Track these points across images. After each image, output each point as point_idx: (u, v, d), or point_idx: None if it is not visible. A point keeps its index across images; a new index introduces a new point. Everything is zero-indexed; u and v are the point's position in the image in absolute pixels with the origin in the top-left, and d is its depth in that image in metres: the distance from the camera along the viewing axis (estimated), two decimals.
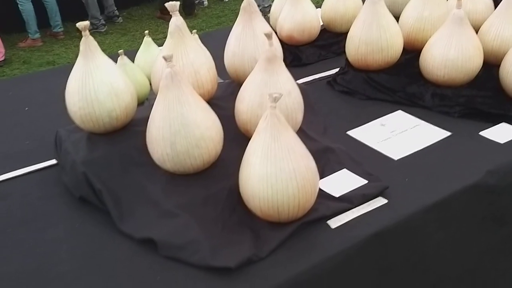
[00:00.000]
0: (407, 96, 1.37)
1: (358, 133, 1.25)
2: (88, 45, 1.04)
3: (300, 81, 1.53)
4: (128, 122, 1.12)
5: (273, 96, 0.86)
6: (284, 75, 1.04)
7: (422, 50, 1.37)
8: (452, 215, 1.04)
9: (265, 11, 4.34)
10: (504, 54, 1.34)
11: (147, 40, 1.49)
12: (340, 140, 1.21)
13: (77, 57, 1.06)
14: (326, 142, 1.15)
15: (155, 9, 5.34)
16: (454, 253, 1.09)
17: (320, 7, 1.79)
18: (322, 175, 1.05)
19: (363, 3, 1.43)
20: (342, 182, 1.04)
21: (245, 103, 1.05)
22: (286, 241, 0.90)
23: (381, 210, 0.98)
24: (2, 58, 4.15)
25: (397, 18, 1.50)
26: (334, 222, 0.95)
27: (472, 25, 1.36)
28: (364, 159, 1.12)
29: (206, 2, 5.62)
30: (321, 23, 1.76)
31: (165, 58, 0.93)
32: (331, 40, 1.73)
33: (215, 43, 1.39)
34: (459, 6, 1.29)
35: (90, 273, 0.89)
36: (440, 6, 1.46)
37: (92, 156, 1.04)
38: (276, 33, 1.71)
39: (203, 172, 1.01)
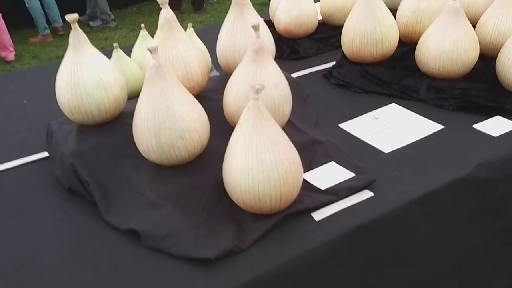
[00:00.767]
0: (402, 89, 1.36)
1: (350, 126, 1.24)
2: (77, 38, 1.05)
3: (297, 74, 1.53)
4: (118, 114, 1.13)
5: (255, 88, 0.86)
6: (271, 67, 1.04)
7: (418, 42, 1.36)
8: (439, 208, 1.03)
9: None
10: (501, 46, 1.32)
11: (143, 33, 1.50)
12: (332, 133, 1.20)
13: None
14: (316, 134, 1.15)
15: None
16: (442, 246, 1.08)
17: (319, 1, 1.78)
18: (309, 167, 1.05)
19: None
20: (329, 174, 1.03)
21: (232, 95, 1.05)
22: (269, 233, 0.91)
23: (367, 202, 0.97)
24: (13, 58, 4.18)
25: (395, 11, 1.49)
26: (319, 215, 0.95)
27: (470, 17, 1.34)
28: (354, 152, 1.12)
29: None
30: (320, 17, 1.75)
31: (150, 50, 0.93)
32: (329, 33, 1.72)
33: (215, 36, 1.38)
34: None
35: (76, 263, 0.90)
36: None
37: (80, 148, 1.05)
38: (274, 26, 1.71)
39: (189, 164, 1.02)
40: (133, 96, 1.36)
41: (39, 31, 4.58)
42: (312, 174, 1.04)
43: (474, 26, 1.33)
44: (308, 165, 1.05)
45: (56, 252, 0.92)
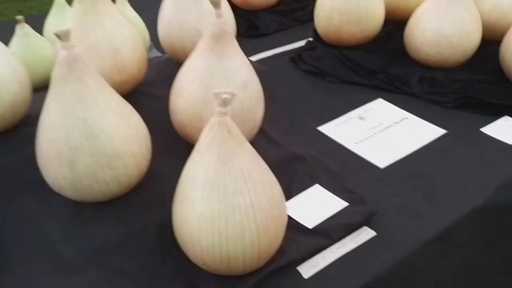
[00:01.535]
0: (389, 79, 1.11)
1: (332, 129, 0.98)
2: None
3: (257, 57, 1.24)
4: (19, 120, 0.80)
5: (221, 97, 0.57)
6: (238, 58, 0.74)
7: (409, 23, 1.11)
8: (456, 244, 0.80)
9: None
10: (503, 28, 1.09)
11: (60, 2, 1.14)
12: (310, 140, 0.94)
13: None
14: (293, 146, 0.88)
15: None
16: (453, 285, 0.86)
17: None
18: (289, 195, 0.78)
19: None
20: (316, 205, 0.77)
21: (184, 97, 0.75)
22: None
23: (368, 247, 0.72)
24: None
25: None
26: (307, 269, 0.68)
27: None
28: (342, 168, 0.86)
29: None
30: None
31: (58, 36, 0.61)
32: (294, 5, 1.43)
33: (155, 4, 1.05)
34: None
35: None
36: None
37: None
38: None
39: (121, 199, 0.71)
40: (46, 86, 1.02)
41: None
42: (294, 205, 0.77)
43: None
44: (288, 191, 0.78)
45: None
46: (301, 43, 1.26)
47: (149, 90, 0.90)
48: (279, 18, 1.39)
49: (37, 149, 0.67)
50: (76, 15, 0.79)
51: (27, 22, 1.03)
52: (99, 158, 0.63)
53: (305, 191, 0.80)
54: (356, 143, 0.94)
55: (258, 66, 0.97)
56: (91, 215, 0.70)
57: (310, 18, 1.22)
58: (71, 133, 0.62)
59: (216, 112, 0.58)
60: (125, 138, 0.65)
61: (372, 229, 0.74)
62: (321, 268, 0.69)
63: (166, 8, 0.93)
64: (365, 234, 0.74)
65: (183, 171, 0.62)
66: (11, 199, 0.73)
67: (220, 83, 0.71)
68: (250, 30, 1.35)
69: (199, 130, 0.61)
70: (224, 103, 0.57)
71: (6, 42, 0.93)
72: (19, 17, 1.02)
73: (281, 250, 0.68)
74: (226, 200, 0.58)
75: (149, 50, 1.19)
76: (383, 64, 1.13)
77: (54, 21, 1.14)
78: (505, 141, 0.94)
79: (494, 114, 1.01)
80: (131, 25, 0.85)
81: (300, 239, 0.71)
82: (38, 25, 1.14)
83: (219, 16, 0.71)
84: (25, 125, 0.81)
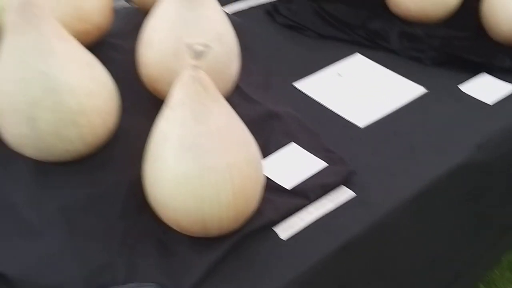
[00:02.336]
0: (368, 35, 1.07)
1: (308, 85, 0.94)
2: None
3: (231, 8, 1.18)
4: None
5: (195, 49, 0.52)
6: (212, 7, 0.69)
7: None
8: (433, 204, 0.79)
9: None
10: None
11: None
12: (286, 96, 0.90)
13: None
14: (269, 102, 0.84)
15: None
16: (425, 245, 0.86)
17: None
18: (265, 153, 0.75)
19: None
20: (293, 164, 0.74)
21: (153, 49, 0.69)
22: (217, 267, 0.61)
23: (347, 208, 0.70)
24: None
25: None
26: (284, 230, 0.66)
27: None
28: (319, 126, 0.83)
29: None
30: None
31: None
32: None
33: None
34: None
35: None
36: None
37: None
38: None
39: (87, 158, 0.67)
40: None
41: None
42: (270, 163, 0.74)
43: None
44: (264, 150, 0.74)
45: None
46: None
47: (115, 42, 0.84)
48: None
49: None
50: None
51: None
52: (62, 114, 0.58)
53: (281, 149, 0.77)
54: (334, 101, 0.91)
55: (233, 18, 0.92)
56: (56, 176, 0.65)
57: None
58: (29, 87, 0.57)
59: (188, 65, 0.53)
60: (90, 92, 0.60)
61: (350, 189, 0.72)
62: (299, 229, 0.66)
63: None
64: (344, 194, 0.72)
65: (153, 128, 0.57)
66: None
67: (192, 33, 0.66)
68: None
69: (170, 85, 0.56)
70: (198, 55, 0.52)
71: None
72: None
73: (258, 211, 0.65)
74: (201, 159, 0.54)
75: None
76: (363, 19, 1.09)
77: None
78: (483, 100, 0.92)
79: (473, 71, 0.99)
80: None
81: (278, 200, 0.68)
82: None
83: None
84: None
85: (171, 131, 0.55)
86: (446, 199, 0.82)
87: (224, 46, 0.69)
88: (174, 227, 0.61)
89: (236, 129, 0.57)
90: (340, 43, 1.07)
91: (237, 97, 0.80)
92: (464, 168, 0.80)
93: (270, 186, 0.70)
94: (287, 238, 0.65)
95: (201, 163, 0.54)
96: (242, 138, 0.58)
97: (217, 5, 0.71)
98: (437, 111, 0.89)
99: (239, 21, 0.94)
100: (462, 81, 0.97)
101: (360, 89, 0.94)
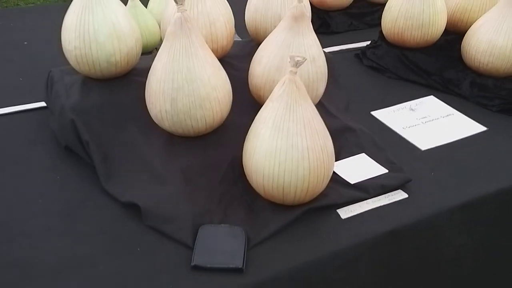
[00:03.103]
0: (443, 81, 1.23)
1: (384, 115, 1.12)
2: None
3: (326, 49, 1.39)
4: (130, 70, 1.00)
5: (295, 59, 0.73)
6: (310, 38, 0.91)
7: (467, 33, 1.22)
8: (479, 219, 0.92)
9: None
10: None
11: None
12: (363, 120, 1.08)
13: None
14: (347, 120, 1.03)
15: None
16: (473, 261, 0.98)
17: None
18: (337, 157, 0.93)
19: None
20: (360, 168, 0.92)
21: (262, 65, 0.92)
22: (288, 227, 0.79)
23: (399, 205, 0.86)
24: None
25: None
26: (345, 212, 0.83)
27: None
28: (387, 145, 1.00)
29: None
30: None
31: (175, 1, 0.80)
32: (365, 9, 1.57)
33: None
34: None
35: (65, 234, 0.78)
36: None
37: (83, 103, 0.93)
38: None
39: (204, 137, 0.90)
40: (146, 52, 1.23)
41: None
42: (340, 165, 0.92)
43: None
44: (337, 155, 0.93)
45: (42, 218, 0.81)
46: (366, 43, 1.40)
47: (232, 62, 1.08)
48: (349, 19, 1.54)
49: (147, 87, 0.86)
50: None
51: None
52: (194, 98, 0.81)
53: (351, 157, 0.95)
54: (404, 128, 1.07)
55: (326, 53, 1.13)
56: (181, 146, 0.88)
57: (378, 23, 1.36)
58: (176, 77, 0.81)
59: (288, 71, 0.74)
60: (215, 86, 0.83)
61: (405, 192, 0.88)
62: (357, 213, 0.83)
63: None
64: (399, 195, 0.88)
65: (257, 115, 0.79)
66: (120, 129, 0.92)
67: (293, 54, 0.88)
68: (322, 27, 1.51)
69: (270, 93, 0.77)
70: (296, 64, 0.73)
71: None
72: None
73: (325, 194, 0.83)
74: (287, 139, 0.74)
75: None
76: (439, 67, 1.25)
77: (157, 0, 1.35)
78: None
79: None
80: (226, 3, 1.03)
81: (342, 190, 0.86)
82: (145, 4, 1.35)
83: (300, 1, 0.87)
84: (133, 75, 1.01)
85: (269, 115, 0.75)
86: (493, 221, 0.94)
87: (315, 67, 0.90)
88: (260, 193, 0.81)
89: (317, 122, 0.77)
90: (417, 86, 1.25)
91: (320, 110, 0.99)
92: (510, 193, 0.92)
93: (337, 180, 0.88)
94: (346, 218, 0.82)
95: (287, 142, 0.74)
96: (321, 131, 0.77)
97: (315, 37, 0.92)
98: (494, 146, 1.02)
99: (331, 55, 1.15)
100: None
101: (428, 122, 1.10)
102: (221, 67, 0.88)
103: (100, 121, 0.91)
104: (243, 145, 0.81)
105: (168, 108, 0.82)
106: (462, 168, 0.96)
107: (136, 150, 0.89)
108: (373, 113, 1.13)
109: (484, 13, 1.23)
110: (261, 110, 0.78)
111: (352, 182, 0.88)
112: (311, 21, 1.37)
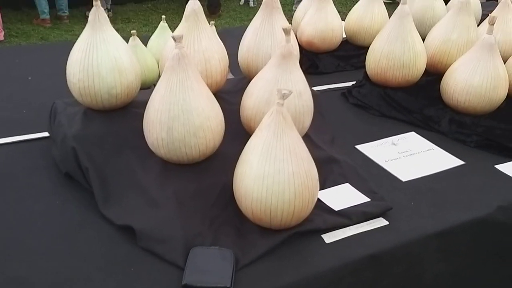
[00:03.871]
0: (423, 119, 1.31)
1: (367, 149, 1.18)
2: (98, 16, 0.99)
3: (314, 88, 1.47)
4: (129, 102, 1.07)
5: (281, 92, 0.80)
6: (297, 74, 0.99)
7: (445, 73, 1.31)
8: (455, 248, 0.97)
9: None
10: None
11: (163, 25, 1.44)
12: (347, 153, 1.14)
13: None
14: (332, 152, 1.09)
15: (181, 4, 5.33)
16: (449, 282, 1.02)
17: (344, 20, 1.73)
18: (322, 186, 0.99)
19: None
20: (343, 196, 0.97)
21: (252, 98, 0.99)
22: (275, 250, 0.84)
23: (380, 231, 0.91)
24: (2, 38, 4.06)
25: (423, 39, 1.45)
26: (329, 237, 0.88)
27: (502, 55, 1.29)
28: (370, 176, 1.06)
29: (252, 3, 5.63)
30: (344, 35, 1.70)
31: (174, 38, 0.88)
32: (351, 52, 1.67)
33: (232, 40, 1.33)
34: (490, 31, 1.23)
35: (64, 254, 0.82)
36: (469, 30, 1.40)
37: (85, 132, 0.99)
38: (296, 38, 1.65)
39: (197, 164, 0.95)
40: (145, 87, 1.30)
41: (39, 14, 4.50)
42: (325, 193, 0.97)
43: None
44: (322, 183, 0.98)
45: (43, 239, 0.85)
46: (351, 83, 1.48)
47: (225, 96, 1.15)
48: (336, 61, 1.63)
49: (145, 117, 0.93)
50: (182, 30, 1.06)
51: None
52: (189, 127, 0.88)
53: (336, 186, 1.00)
54: (386, 161, 1.14)
55: (313, 90, 1.21)
56: (175, 172, 0.94)
57: (363, 65, 1.45)
58: (172, 107, 0.87)
59: (276, 103, 0.81)
60: (209, 117, 0.90)
61: (386, 219, 0.93)
62: (340, 238, 0.88)
63: (247, 36, 1.20)
64: (380, 222, 0.93)
65: (247, 142, 0.85)
66: (118, 156, 0.98)
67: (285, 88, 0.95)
68: (311, 68, 1.60)
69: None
70: (283, 96, 0.80)
71: None
72: (133, 31, 1.33)
73: (310, 219, 0.89)
74: (274, 165, 0.80)
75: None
76: (420, 106, 1.33)
77: (157, 39, 1.44)
78: None
79: (511, 156, 1.18)
80: (220, 43, 1.11)
81: (326, 216, 0.91)
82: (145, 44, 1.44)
83: (288, 41, 0.96)
84: (132, 106, 1.07)
85: (258, 143, 0.82)
86: (470, 250, 0.99)
87: (301, 101, 0.97)
88: (249, 217, 0.86)
89: (302, 150, 0.83)
90: (398, 122, 1.32)
91: (307, 142, 1.04)
92: (485, 223, 0.98)
93: (321, 207, 0.93)
94: (330, 243, 0.87)
95: (274, 167, 0.80)
96: (305, 158, 0.83)
97: (301, 74, 1.00)
98: (471, 179, 1.08)
99: (317, 92, 1.23)
100: (499, 162, 1.16)
101: (409, 155, 1.16)
102: (215, 99, 0.94)
103: (100, 149, 0.97)
104: (233, 172, 0.87)
105: (164, 136, 0.89)
106: (440, 199, 1.01)
107: (132, 176, 0.94)
108: (357, 146, 1.19)
109: (461, 55, 1.32)
110: (251, 138, 0.84)
111: (336, 209, 0.93)
112: (301, 62, 1.47)
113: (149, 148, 0.95)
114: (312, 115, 1.04)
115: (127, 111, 1.05)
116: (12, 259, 0.81)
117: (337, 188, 1.00)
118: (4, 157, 1.07)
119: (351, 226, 0.91)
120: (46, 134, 1.13)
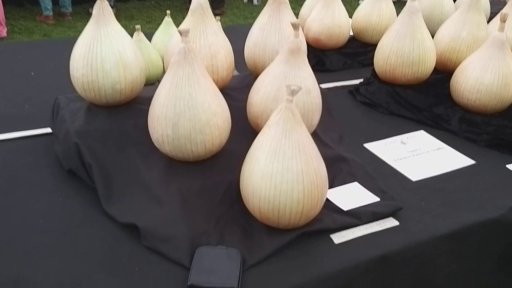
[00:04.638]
0: (433, 117, 1.28)
1: (376, 147, 1.16)
2: (102, 10, 0.97)
3: (321, 85, 1.45)
4: (133, 98, 1.04)
5: (291, 88, 0.78)
6: (306, 70, 0.96)
7: (455, 71, 1.28)
8: (467, 249, 0.94)
9: None
10: None
11: (167, 20, 1.42)
12: (356, 152, 1.12)
13: None
14: (340, 151, 1.07)
15: (184, 2, 5.31)
16: (460, 281, 0.99)
17: (351, 16, 1.71)
18: (331, 185, 0.96)
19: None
20: (352, 195, 0.95)
21: (260, 94, 0.97)
22: (282, 250, 0.82)
23: (390, 231, 0.89)
24: (5, 35, 4.04)
25: (432, 35, 1.42)
26: (338, 238, 0.86)
27: None
28: (379, 175, 1.03)
29: (256, 1, 5.59)
30: (351, 33, 1.68)
31: (180, 32, 0.85)
32: (359, 49, 1.65)
33: (237, 36, 1.30)
34: (501, 29, 1.20)
35: (65, 252, 0.80)
36: (479, 28, 1.37)
37: (88, 128, 0.97)
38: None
39: (203, 162, 0.93)
40: (148, 83, 1.28)
41: (42, 11, 4.47)
42: (334, 193, 0.95)
43: None
44: (330, 182, 0.96)
45: (44, 236, 0.83)
46: (359, 81, 1.46)
47: (232, 93, 1.13)
48: (343, 58, 1.61)
49: (150, 112, 0.90)
50: (188, 25, 1.04)
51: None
52: (195, 123, 0.86)
53: (344, 185, 0.98)
54: (395, 160, 1.11)
55: (321, 88, 1.19)
56: (179, 169, 0.91)
57: (370, 63, 1.42)
58: (178, 102, 0.85)
59: (285, 100, 0.79)
60: (215, 113, 0.87)
61: (396, 219, 0.91)
62: (350, 239, 0.86)
63: (253, 31, 1.17)
64: (390, 222, 0.90)
65: (255, 140, 0.82)
66: (121, 153, 0.96)
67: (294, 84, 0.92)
68: (318, 65, 1.57)
69: (267, 121, 0.81)
70: (292, 92, 0.78)
71: None
72: (137, 26, 1.30)
73: (319, 219, 0.86)
74: (283, 163, 0.78)
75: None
76: (429, 104, 1.31)
77: (161, 35, 1.41)
78: None
79: None
80: (226, 38, 1.09)
81: (335, 216, 0.89)
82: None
83: (296, 36, 0.93)
84: (136, 102, 1.05)
85: (266, 140, 0.79)
86: (481, 250, 0.97)
87: (310, 97, 0.95)
88: (256, 216, 0.83)
89: (311, 148, 0.81)
90: (407, 121, 1.29)
91: (315, 140, 1.02)
92: (497, 224, 0.95)
93: (330, 206, 0.91)
94: (339, 243, 0.85)
95: (283, 165, 0.78)
96: (315, 156, 0.81)
97: (310, 70, 0.97)
98: (482, 178, 1.06)
99: (325, 90, 1.21)
100: (510, 162, 1.13)
101: (419, 154, 1.14)
102: (221, 95, 0.92)
103: (103, 145, 0.95)
104: (240, 170, 0.85)
105: (170, 132, 0.86)
106: (451, 199, 0.99)
107: (136, 173, 0.92)
108: (366, 145, 1.17)
109: (471, 53, 1.29)
110: (258, 135, 0.82)
111: (345, 209, 0.91)
112: (307, 59, 1.44)
113: (153, 145, 0.93)
114: (320, 113, 1.02)
115: (131, 107, 1.03)
116: (14, 257, 0.79)
117: (345, 187, 0.97)
118: (7, 153, 1.04)
119: (361, 226, 0.89)
120: (48, 130, 1.11)
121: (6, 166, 1.00)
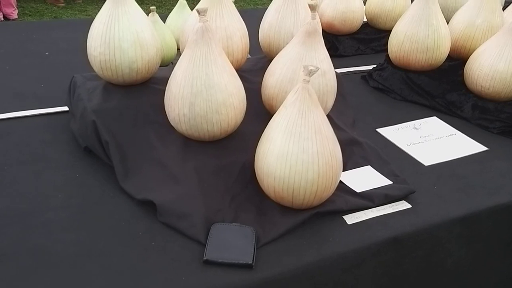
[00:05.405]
0: (446, 104, 1.28)
1: (388, 132, 1.16)
2: None
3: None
4: (149, 77, 1.05)
5: (308, 69, 0.78)
6: (322, 52, 0.96)
7: (469, 58, 1.28)
8: (478, 233, 0.95)
9: None
10: None
11: (182, 2, 1.43)
12: (368, 136, 1.12)
13: None
14: (353, 134, 1.07)
15: None
16: (471, 274, 1.00)
17: (365, 2, 1.70)
18: (344, 168, 0.97)
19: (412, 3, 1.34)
20: (365, 178, 0.96)
21: (275, 76, 0.97)
22: (296, 229, 0.83)
23: (403, 214, 0.89)
24: (16, 17, 4.06)
25: (447, 22, 1.41)
26: (351, 218, 0.87)
27: None
28: (392, 160, 1.04)
29: None
30: (365, 18, 1.67)
31: (198, 11, 0.86)
32: (372, 35, 1.64)
33: (250, 19, 1.30)
34: None
35: (81, 227, 0.82)
36: (495, 15, 1.37)
37: (105, 106, 0.98)
38: None
39: (218, 141, 0.94)
40: (163, 65, 1.29)
41: None
42: (347, 175, 0.96)
43: None
44: (344, 165, 0.96)
45: (60, 210, 0.85)
46: (371, 67, 1.46)
47: (246, 75, 1.13)
48: (357, 44, 1.60)
49: (166, 92, 0.91)
50: (204, 4, 1.04)
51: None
52: (212, 103, 0.86)
53: (357, 168, 0.99)
54: (408, 145, 1.12)
55: (335, 71, 1.19)
56: (196, 148, 0.92)
57: (383, 49, 1.43)
58: (195, 82, 0.86)
59: (301, 80, 0.79)
60: (231, 93, 0.88)
61: (408, 203, 0.92)
62: (362, 219, 0.87)
63: (269, 14, 1.17)
64: (402, 205, 0.91)
65: (271, 120, 0.83)
66: (138, 131, 0.97)
67: (311, 64, 0.93)
68: (331, 50, 1.56)
69: (282, 104, 0.82)
70: (310, 72, 0.78)
71: None
72: (152, 7, 1.31)
73: (332, 200, 0.87)
74: (299, 143, 0.79)
75: None
76: (442, 91, 1.31)
77: (175, 17, 1.42)
78: None
79: None
80: (241, 20, 1.09)
81: (348, 197, 0.90)
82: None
83: (313, 18, 0.93)
84: (152, 82, 1.06)
85: (282, 120, 0.80)
86: (492, 236, 0.98)
87: (325, 80, 0.95)
88: (270, 195, 0.84)
89: (327, 129, 0.81)
90: (420, 107, 1.30)
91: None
92: (509, 210, 0.96)
93: (343, 188, 0.92)
94: (351, 224, 0.86)
95: (298, 145, 0.78)
96: (330, 137, 0.82)
97: (326, 52, 0.98)
98: (494, 164, 1.06)
99: (339, 74, 1.21)
100: None
101: (431, 140, 1.14)
102: (237, 76, 0.93)
103: (120, 123, 0.96)
104: (254, 151, 0.86)
105: (186, 111, 0.87)
106: (463, 184, 0.99)
107: (152, 151, 0.93)
108: (379, 130, 1.17)
109: (485, 40, 1.29)
110: (274, 115, 0.83)
111: (357, 191, 0.92)
112: None
113: (169, 124, 0.94)
114: (335, 96, 1.02)
115: (147, 87, 1.04)
116: (31, 228, 0.80)
117: (358, 170, 0.98)
118: (24, 130, 1.06)
119: (373, 208, 0.89)
120: (64, 108, 1.12)
121: (23, 143, 1.01)
